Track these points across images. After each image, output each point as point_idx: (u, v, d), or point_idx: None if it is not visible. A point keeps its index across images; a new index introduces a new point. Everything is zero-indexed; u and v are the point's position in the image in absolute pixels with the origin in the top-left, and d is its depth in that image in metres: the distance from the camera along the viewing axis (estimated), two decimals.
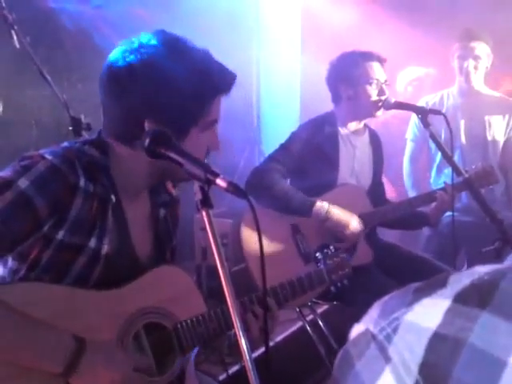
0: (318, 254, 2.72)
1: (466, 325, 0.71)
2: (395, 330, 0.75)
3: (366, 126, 4.08)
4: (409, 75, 6.01)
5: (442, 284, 0.77)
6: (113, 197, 2.08)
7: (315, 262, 2.74)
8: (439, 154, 4.78)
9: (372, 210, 3.85)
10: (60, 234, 1.96)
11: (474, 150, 4.77)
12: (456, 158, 4.47)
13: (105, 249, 2.06)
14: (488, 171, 3.73)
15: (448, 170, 4.70)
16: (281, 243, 3.64)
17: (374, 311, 0.81)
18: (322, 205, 3.62)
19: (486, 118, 4.76)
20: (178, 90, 1.98)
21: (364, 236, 3.80)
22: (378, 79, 3.78)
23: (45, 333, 1.89)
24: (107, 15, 4.59)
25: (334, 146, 3.87)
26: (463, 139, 4.79)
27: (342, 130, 3.93)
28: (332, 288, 2.73)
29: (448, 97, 4.93)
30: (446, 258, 4.13)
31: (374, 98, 3.78)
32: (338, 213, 3.63)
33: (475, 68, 4.70)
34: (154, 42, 2.00)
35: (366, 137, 4.08)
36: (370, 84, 3.77)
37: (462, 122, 4.79)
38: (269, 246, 3.48)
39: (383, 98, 3.76)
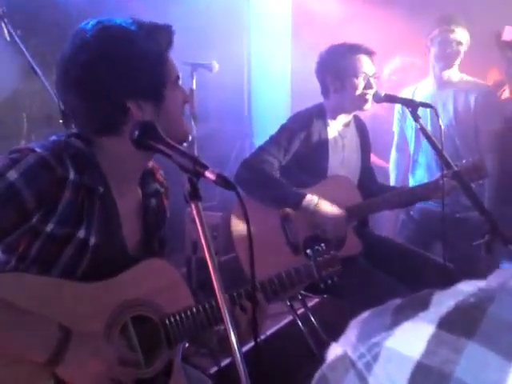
0: (308, 251, 2.72)
1: (452, 356, 0.66)
2: (375, 358, 0.70)
3: (352, 115, 4.10)
4: (394, 64, 5.99)
5: (424, 305, 0.72)
6: (100, 187, 2.08)
7: (306, 257, 2.74)
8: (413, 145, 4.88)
9: (361, 202, 3.86)
10: (49, 227, 1.97)
11: (462, 136, 4.72)
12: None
13: (93, 239, 2.07)
14: (478, 165, 3.71)
15: (423, 161, 4.83)
16: (270, 233, 3.66)
17: (351, 332, 0.76)
18: (311, 198, 3.63)
19: (472, 102, 4.69)
20: (137, 66, 2.02)
21: (353, 227, 3.83)
22: (365, 72, 3.78)
23: (31, 322, 1.89)
24: (101, 8, 4.57)
25: (323, 137, 3.88)
26: (450, 128, 4.72)
27: (331, 122, 3.94)
28: (321, 285, 2.73)
29: (423, 87, 4.89)
30: (417, 244, 4.15)
31: (361, 91, 3.78)
32: (325, 207, 3.65)
33: (456, 53, 4.60)
34: (96, 33, 2.03)
35: (352, 126, 4.10)
36: (357, 77, 3.77)
37: (451, 109, 4.73)
38: (258, 236, 3.47)
39: (370, 91, 3.76)
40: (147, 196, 2.33)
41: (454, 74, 4.73)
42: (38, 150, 1.97)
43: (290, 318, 4.40)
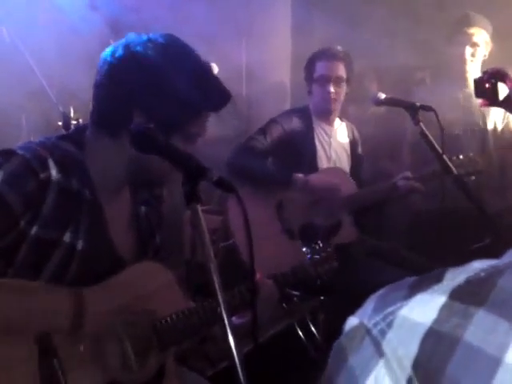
0: (305, 249, 2.74)
1: (462, 322, 0.70)
2: (389, 325, 0.74)
3: (342, 119, 4.36)
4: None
5: (438, 279, 0.77)
6: (87, 192, 2.07)
7: (302, 242, 2.80)
8: None
9: (358, 192, 4.00)
10: (34, 229, 1.95)
11: (472, 140, 4.71)
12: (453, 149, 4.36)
13: (80, 245, 2.05)
14: (473, 161, 3.73)
15: None
16: (266, 220, 3.80)
17: (368, 305, 0.80)
18: (299, 175, 3.84)
19: (482, 109, 4.66)
20: (172, 91, 2.00)
21: (349, 214, 3.95)
22: (327, 75, 4.03)
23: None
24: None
25: (309, 134, 4.12)
26: (460, 130, 4.69)
27: (316, 121, 4.19)
28: (318, 281, 2.75)
29: (438, 87, 4.85)
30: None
31: (324, 93, 4.06)
32: (316, 177, 3.87)
33: (472, 56, 4.54)
34: (161, 40, 2.04)
35: (342, 129, 4.33)
36: (319, 80, 4.06)
37: (457, 112, 4.69)
38: (254, 224, 3.50)
39: (331, 95, 4.03)
40: (137, 204, 2.32)
41: (475, 74, 4.66)
42: (20, 152, 1.95)
43: (287, 320, 4.39)
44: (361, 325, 0.78)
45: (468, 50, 4.54)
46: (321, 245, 2.77)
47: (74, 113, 4.24)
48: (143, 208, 2.34)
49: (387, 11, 5.33)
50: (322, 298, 4.07)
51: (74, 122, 4.17)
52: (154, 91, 1.99)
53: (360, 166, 4.36)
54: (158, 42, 2.03)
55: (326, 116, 4.22)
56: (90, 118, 2.12)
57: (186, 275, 4.67)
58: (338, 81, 4.05)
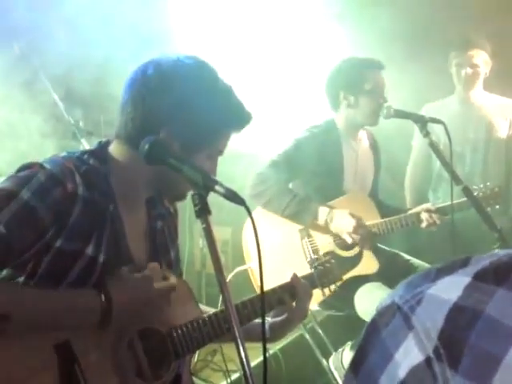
0: (309, 260, 2.76)
1: (484, 298, 0.76)
2: (419, 302, 0.80)
3: (364, 129, 4.09)
4: None
5: (464, 264, 0.83)
6: (110, 205, 2.10)
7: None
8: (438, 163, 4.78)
9: (381, 221, 3.84)
10: (58, 242, 1.97)
11: (474, 155, 4.75)
12: (458, 165, 4.41)
13: (102, 257, 2.07)
14: (496, 192, 3.75)
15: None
16: (288, 247, 3.67)
17: (400, 287, 0.87)
18: (324, 209, 3.66)
19: (487, 123, 4.72)
20: (198, 111, 2.07)
21: (371, 246, 3.81)
22: (379, 87, 3.79)
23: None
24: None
25: (337, 152, 3.89)
26: (464, 146, 4.75)
27: (343, 137, 3.94)
28: (324, 291, 2.76)
29: (448, 105, 4.90)
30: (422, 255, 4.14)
31: (375, 106, 3.78)
32: (340, 216, 3.66)
33: (473, 76, 4.65)
34: (190, 61, 2.12)
35: (365, 140, 4.10)
36: (371, 92, 3.77)
37: (463, 129, 4.75)
38: (275, 250, 3.49)
39: (384, 106, 3.73)
40: (153, 218, 2.33)
41: (480, 94, 4.77)
42: (47, 165, 1.99)
43: (299, 332, 4.39)
44: (392, 303, 0.84)
45: (468, 70, 4.64)
46: (325, 257, 2.79)
47: (84, 124, 4.25)
48: (159, 223, 2.35)
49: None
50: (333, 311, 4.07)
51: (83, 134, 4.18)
52: (181, 111, 2.06)
53: (378, 179, 4.25)
54: (186, 63, 2.11)
55: (357, 130, 4.01)
56: (116, 133, 2.17)
57: (196, 287, 4.68)
58: (386, 92, 3.84)
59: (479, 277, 0.79)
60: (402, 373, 0.78)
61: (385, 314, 0.85)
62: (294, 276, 2.52)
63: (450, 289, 0.80)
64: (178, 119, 2.06)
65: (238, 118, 2.16)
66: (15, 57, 3.98)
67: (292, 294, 2.48)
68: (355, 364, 0.87)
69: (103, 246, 2.07)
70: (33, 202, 1.91)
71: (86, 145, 4.06)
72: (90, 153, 2.15)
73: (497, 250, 0.86)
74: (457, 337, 0.76)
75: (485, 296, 0.77)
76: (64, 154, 2.12)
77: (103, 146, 2.19)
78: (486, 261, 0.82)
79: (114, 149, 2.17)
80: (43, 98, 4.17)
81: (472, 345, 0.74)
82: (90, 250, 2.04)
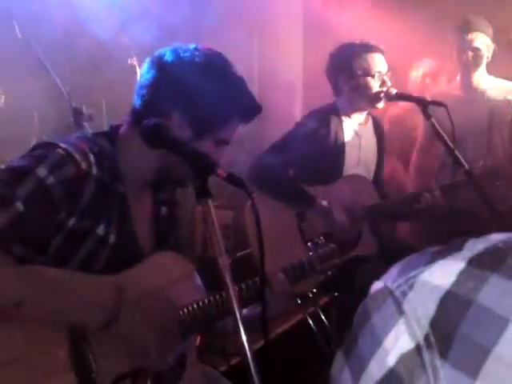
0: (309, 244, 2.74)
1: (477, 285, 0.76)
2: (411, 287, 0.81)
3: (369, 114, 4.08)
4: (426, 67, 5.92)
5: (459, 248, 0.83)
6: (119, 186, 2.14)
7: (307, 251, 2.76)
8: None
9: (379, 202, 3.87)
10: (71, 221, 2.02)
11: (478, 141, 4.72)
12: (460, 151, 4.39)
13: (112, 238, 2.12)
14: (496, 168, 3.72)
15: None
16: (286, 231, 3.69)
17: (393, 270, 0.87)
18: (321, 189, 3.74)
19: (490, 108, 4.69)
20: (211, 96, 2.10)
21: (369, 226, 3.83)
22: (379, 71, 3.77)
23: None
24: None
25: (339, 136, 3.87)
26: (466, 132, 4.73)
27: (346, 121, 3.94)
28: (322, 276, 2.75)
29: (451, 90, 4.87)
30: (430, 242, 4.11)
31: (376, 89, 3.77)
32: (339, 195, 3.73)
33: (474, 60, 4.57)
34: (206, 51, 2.17)
35: (369, 125, 4.10)
36: (373, 76, 3.76)
37: (465, 115, 4.72)
38: (274, 234, 3.49)
39: (384, 89, 3.74)
40: (158, 203, 2.37)
41: (483, 78, 4.72)
42: (62, 145, 2.03)
43: (301, 316, 4.40)
44: (384, 287, 0.85)
45: (470, 54, 4.57)
46: (323, 240, 2.78)
47: (87, 109, 4.25)
48: (164, 208, 2.38)
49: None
50: (335, 293, 4.08)
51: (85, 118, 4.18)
52: (194, 95, 2.09)
53: (383, 164, 4.24)
54: (203, 51, 2.15)
55: (361, 114, 4.01)
56: (130, 116, 2.20)
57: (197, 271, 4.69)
58: (388, 76, 3.82)
59: (474, 262, 0.79)
60: (391, 360, 0.79)
61: (376, 298, 0.85)
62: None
63: (444, 274, 0.80)
64: (189, 103, 2.09)
65: (248, 108, 2.21)
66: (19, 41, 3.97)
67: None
68: (346, 348, 0.88)
69: (112, 226, 2.12)
70: (49, 180, 1.95)
71: (88, 129, 4.07)
72: (102, 134, 2.22)
73: (492, 234, 0.85)
74: (448, 325, 0.76)
75: (478, 283, 0.77)
76: (78, 134, 2.16)
77: (114, 129, 2.24)
78: (480, 245, 0.82)
79: (124, 132, 2.21)
80: (46, 81, 4.16)
81: (462, 334, 0.75)
82: (100, 230, 2.09)
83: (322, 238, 2.78)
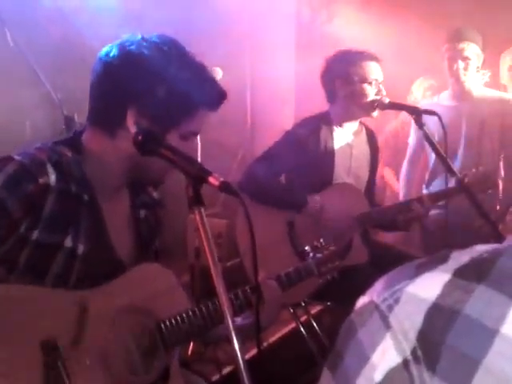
0: (307, 248, 2.73)
1: (463, 297, 0.76)
2: (397, 301, 0.80)
3: (362, 124, 4.06)
4: (424, 83, 5.99)
5: (444, 260, 0.83)
6: (85, 195, 2.08)
7: (305, 256, 2.74)
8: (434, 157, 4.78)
9: (369, 210, 3.85)
10: (35, 234, 1.95)
11: (469, 150, 4.74)
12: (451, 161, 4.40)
13: (81, 248, 2.05)
14: (487, 176, 3.72)
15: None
16: (276, 240, 3.66)
17: (378, 284, 0.87)
18: (315, 201, 3.68)
19: (480, 116, 4.70)
20: (166, 89, 2.01)
21: (360, 235, 3.81)
22: (376, 79, 3.76)
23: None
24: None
25: (328, 144, 3.85)
26: (457, 142, 4.74)
27: (338, 130, 3.92)
28: (321, 280, 2.74)
29: (442, 100, 4.89)
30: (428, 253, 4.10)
31: (372, 97, 3.76)
32: (329, 213, 3.67)
33: (465, 69, 4.63)
34: (155, 39, 2.06)
35: (363, 135, 4.07)
36: (370, 83, 3.75)
37: (456, 125, 4.72)
38: (264, 244, 3.47)
39: (378, 97, 3.74)
40: (136, 207, 2.32)
41: (473, 88, 4.76)
42: (17, 157, 1.96)
43: (293, 325, 4.39)
44: (370, 302, 0.84)
45: (460, 64, 4.63)
46: (323, 243, 2.76)
47: (79, 116, 4.23)
48: (143, 211, 2.34)
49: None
50: (328, 303, 4.07)
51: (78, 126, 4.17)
52: (147, 88, 2.01)
53: (375, 176, 4.22)
54: (152, 41, 2.06)
55: (354, 123, 3.98)
56: (87, 118, 2.14)
57: (190, 280, 4.67)
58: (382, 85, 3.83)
59: (459, 273, 0.79)
60: (378, 376, 0.78)
61: (362, 312, 0.85)
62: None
63: (429, 287, 0.79)
64: (143, 97, 2.01)
65: (209, 95, 2.09)
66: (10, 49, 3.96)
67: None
68: (332, 364, 0.88)
69: (81, 236, 2.05)
70: (1, 194, 1.89)
71: None
72: (63, 142, 2.13)
73: (477, 246, 0.86)
74: (435, 338, 0.75)
75: (464, 294, 0.77)
76: (37, 145, 2.09)
77: (77, 135, 2.16)
78: (466, 257, 0.82)
79: (87, 136, 2.14)
80: (38, 90, 4.15)
81: (450, 346, 0.74)
82: (68, 242, 2.03)
83: (321, 240, 2.77)
